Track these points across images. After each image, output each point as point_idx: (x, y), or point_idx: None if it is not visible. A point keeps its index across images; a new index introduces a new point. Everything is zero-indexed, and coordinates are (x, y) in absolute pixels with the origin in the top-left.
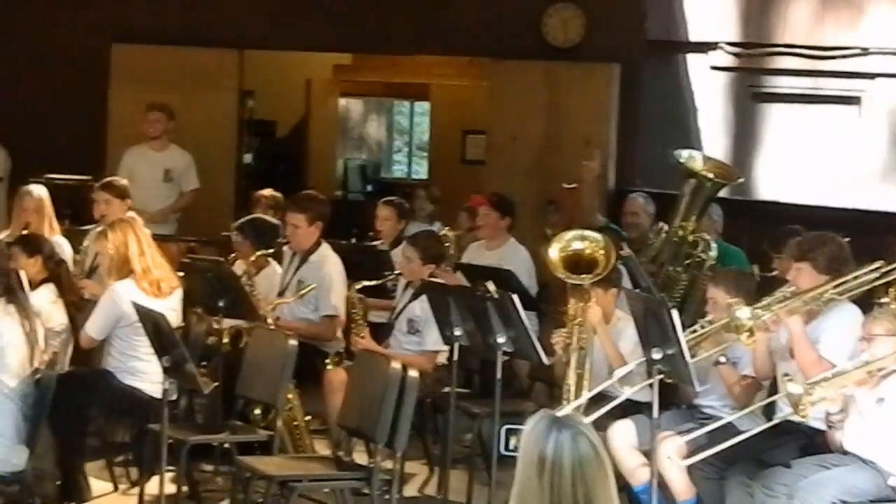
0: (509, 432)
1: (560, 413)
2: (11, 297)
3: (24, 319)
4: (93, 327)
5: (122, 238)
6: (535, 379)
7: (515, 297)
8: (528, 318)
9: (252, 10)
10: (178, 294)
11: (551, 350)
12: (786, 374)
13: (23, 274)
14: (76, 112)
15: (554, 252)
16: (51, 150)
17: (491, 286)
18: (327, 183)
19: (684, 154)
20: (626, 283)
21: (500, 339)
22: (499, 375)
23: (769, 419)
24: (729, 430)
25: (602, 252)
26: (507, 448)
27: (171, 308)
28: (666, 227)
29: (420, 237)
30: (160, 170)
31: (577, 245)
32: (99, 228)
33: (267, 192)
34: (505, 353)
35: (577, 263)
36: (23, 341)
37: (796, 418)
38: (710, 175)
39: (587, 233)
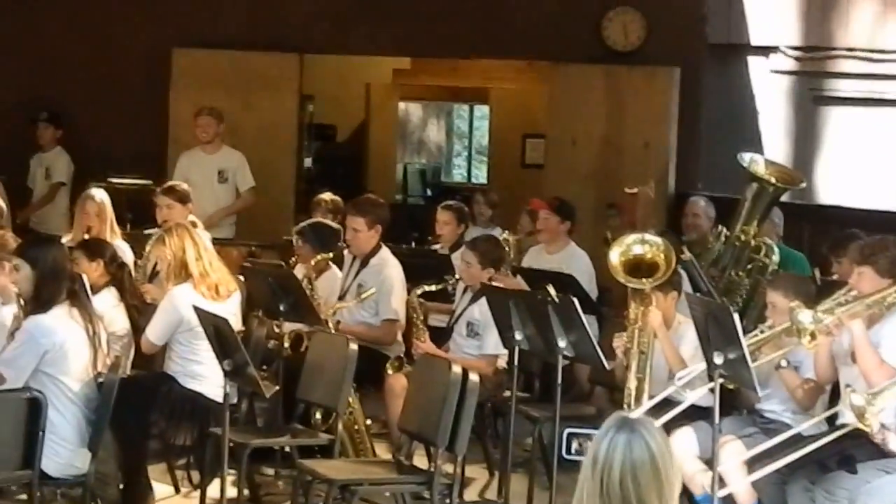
0: (571, 436)
1: (631, 415)
2: (75, 301)
3: (88, 323)
4: (153, 332)
5: (180, 243)
6: (596, 383)
7: (576, 301)
8: (588, 322)
9: (312, 15)
10: (237, 298)
11: (612, 354)
12: (848, 385)
13: (85, 278)
14: (138, 116)
15: (614, 256)
16: (113, 154)
17: (552, 290)
18: (387, 187)
19: (746, 158)
20: (687, 286)
21: (561, 343)
22: (559, 379)
23: (830, 423)
24: (793, 436)
25: (663, 256)
26: (568, 452)
27: (230, 312)
28: (726, 231)
29: (479, 241)
30: (213, 171)
31: (638, 249)
32: (158, 233)
33: (326, 195)
34: (565, 357)
35: (637, 267)
36: (86, 345)
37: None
38: (773, 179)
39: (648, 236)
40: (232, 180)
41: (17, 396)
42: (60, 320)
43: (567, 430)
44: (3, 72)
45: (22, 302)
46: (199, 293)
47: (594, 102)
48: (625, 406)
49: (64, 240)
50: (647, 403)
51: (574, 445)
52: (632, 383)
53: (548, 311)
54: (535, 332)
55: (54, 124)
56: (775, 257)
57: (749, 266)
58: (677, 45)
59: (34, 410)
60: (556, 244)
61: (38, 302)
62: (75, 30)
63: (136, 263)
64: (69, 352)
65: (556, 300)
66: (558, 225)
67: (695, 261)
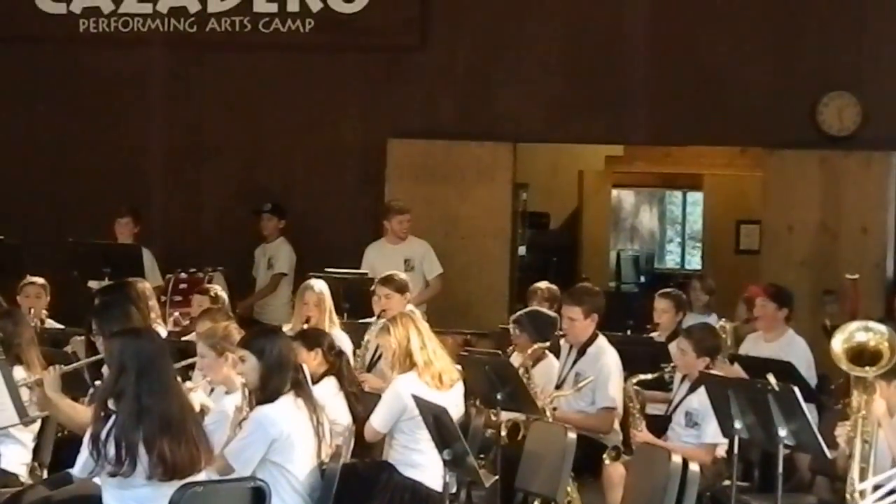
0: None
1: None
2: (300, 391)
3: (312, 413)
4: (377, 420)
5: (404, 331)
6: (817, 472)
7: (797, 390)
8: (808, 410)
9: (525, 105)
10: (460, 387)
11: (833, 443)
12: None
13: (305, 367)
14: (354, 206)
15: (837, 343)
16: (330, 244)
17: (771, 378)
18: (601, 274)
19: None
20: None
21: (782, 432)
22: (780, 469)
23: None
24: None
25: (887, 344)
26: None
27: (454, 403)
28: None
29: (695, 329)
30: (399, 261)
31: (861, 336)
32: (380, 323)
33: (543, 284)
34: (786, 446)
35: (860, 355)
36: (311, 434)
37: None
38: None
39: (872, 324)
40: (419, 269)
41: (241, 486)
42: (287, 410)
43: None
44: (225, 165)
45: (247, 392)
46: (423, 382)
47: (810, 188)
48: (847, 497)
49: (285, 329)
50: (867, 483)
51: None
52: (855, 473)
53: (768, 400)
54: (754, 420)
55: (278, 215)
56: None
57: None
58: (894, 130)
59: (258, 499)
60: (774, 331)
61: (264, 392)
62: (294, 122)
63: (354, 353)
64: (295, 441)
65: (777, 388)
66: (776, 312)
67: None
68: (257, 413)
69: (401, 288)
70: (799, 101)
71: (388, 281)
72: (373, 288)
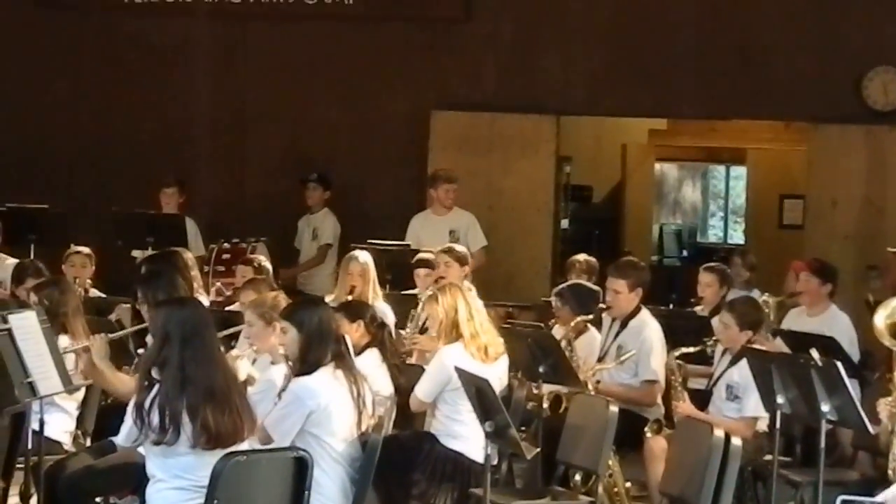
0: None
1: None
2: (340, 363)
3: (352, 384)
4: (422, 390)
5: (452, 302)
6: (859, 447)
7: (840, 365)
8: (850, 386)
9: (569, 77)
10: (505, 361)
11: (876, 419)
12: None
13: (348, 339)
14: (397, 178)
15: (880, 319)
16: (372, 215)
17: (815, 353)
18: (643, 247)
19: None
20: None
21: (825, 408)
22: (822, 444)
23: None
24: None
25: None
26: None
27: (498, 376)
28: None
29: (738, 303)
30: (444, 232)
31: None
32: (427, 292)
33: (581, 257)
34: (829, 421)
35: None
36: (351, 406)
37: None
38: None
39: None
40: (463, 241)
41: (284, 455)
42: (325, 382)
43: (842, 497)
44: (269, 135)
45: (290, 363)
46: (468, 353)
47: (854, 163)
48: (889, 472)
49: (328, 299)
50: None
51: None
52: None
53: (811, 375)
54: (797, 395)
55: (323, 185)
56: None
57: None
58: None
59: (301, 469)
60: (817, 307)
61: (304, 364)
62: (339, 93)
63: (396, 324)
64: (333, 413)
65: (820, 363)
66: (819, 287)
67: None
68: (295, 384)
69: (461, 259)
70: (844, 75)
71: (449, 251)
72: (422, 258)
